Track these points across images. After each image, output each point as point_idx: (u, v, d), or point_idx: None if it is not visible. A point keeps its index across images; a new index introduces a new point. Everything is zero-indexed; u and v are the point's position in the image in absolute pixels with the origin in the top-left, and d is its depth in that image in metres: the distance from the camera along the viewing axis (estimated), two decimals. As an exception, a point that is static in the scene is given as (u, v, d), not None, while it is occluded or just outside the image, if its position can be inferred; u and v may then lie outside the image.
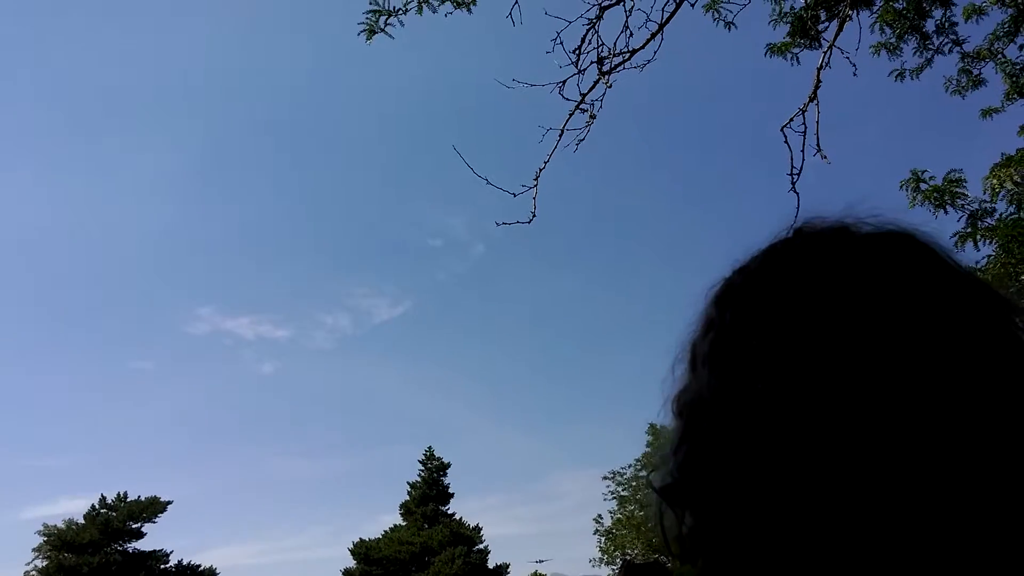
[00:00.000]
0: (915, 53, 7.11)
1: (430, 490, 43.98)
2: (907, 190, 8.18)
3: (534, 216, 6.08)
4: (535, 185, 6.05)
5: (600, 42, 5.79)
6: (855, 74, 5.70)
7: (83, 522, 40.86)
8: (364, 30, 5.44)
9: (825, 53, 5.72)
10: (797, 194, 5.34)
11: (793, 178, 5.33)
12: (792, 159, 5.32)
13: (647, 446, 44.18)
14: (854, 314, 0.53)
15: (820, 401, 0.51)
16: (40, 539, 40.62)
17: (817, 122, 5.38)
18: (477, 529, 43.32)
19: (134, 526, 41.69)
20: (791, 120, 5.40)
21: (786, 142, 5.35)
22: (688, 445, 0.60)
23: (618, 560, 41.22)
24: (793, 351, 0.54)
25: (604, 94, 6.02)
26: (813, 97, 5.44)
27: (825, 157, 5.38)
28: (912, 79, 7.33)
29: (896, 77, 7.33)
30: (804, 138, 5.34)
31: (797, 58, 6.83)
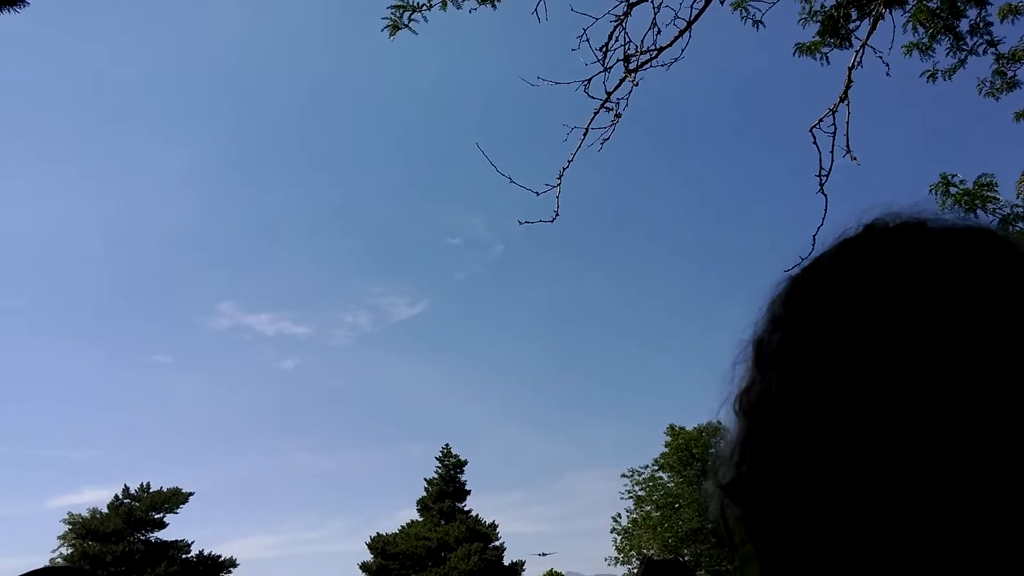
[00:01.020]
0: (948, 53, 6.99)
1: (447, 487, 44.07)
2: (936, 194, 8.07)
3: (557, 215, 6.06)
4: (558, 184, 6.03)
5: (627, 39, 5.75)
6: (888, 74, 5.62)
7: (107, 512, 41.37)
8: (388, 26, 5.44)
9: (857, 52, 5.65)
10: (825, 196, 5.28)
11: (822, 179, 5.27)
12: (821, 160, 5.27)
13: (665, 446, 44.17)
14: (942, 312, 0.50)
15: (908, 405, 0.49)
16: (65, 527, 41.25)
17: (847, 123, 5.31)
18: (493, 526, 43.37)
19: (156, 516, 42.13)
20: (820, 120, 5.34)
21: (815, 143, 5.29)
22: (755, 444, 0.58)
23: (634, 559, 41.12)
24: (878, 351, 0.51)
25: (630, 92, 5.99)
26: (844, 97, 5.38)
27: (855, 158, 5.31)
28: (945, 80, 7.21)
29: (928, 78, 7.21)
30: (834, 139, 5.27)
31: (827, 58, 6.74)
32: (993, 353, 0.48)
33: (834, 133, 5.25)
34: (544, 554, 44.06)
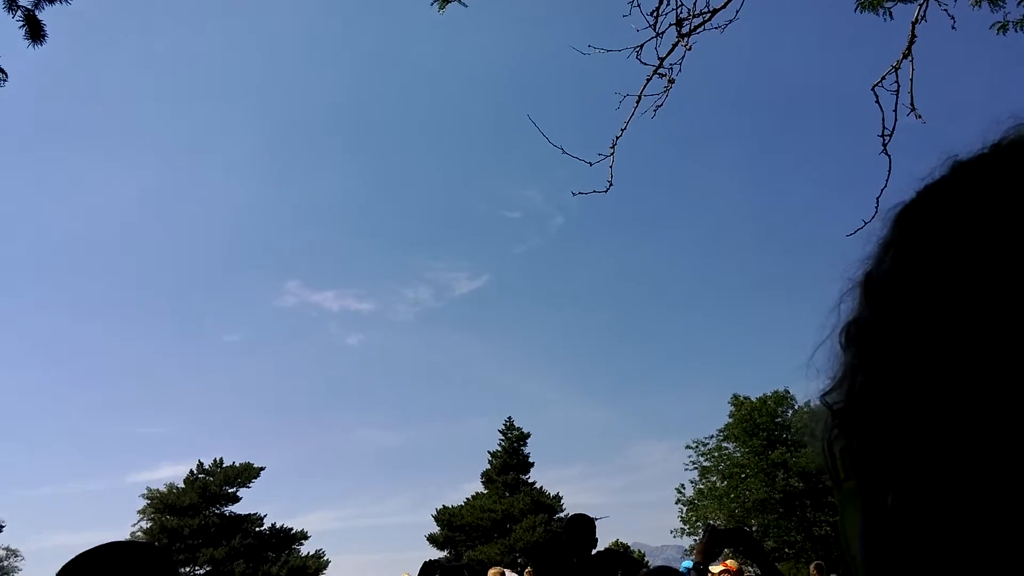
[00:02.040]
0: (1020, 3, 6.59)
1: (510, 459, 44.45)
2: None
3: (611, 185, 5.95)
4: (611, 153, 5.91)
5: (679, 2, 5.57)
6: (954, 27, 5.31)
7: (183, 486, 42.97)
8: (437, -1, 5.37)
9: (921, 6, 5.35)
10: (889, 156, 5.04)
11: (885, 139, 5.03)
12: (884, 119, 5.02)
13: (729, 417, 43.69)
14: None
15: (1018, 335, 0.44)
16: (144, 502, 43.01)
17: (911, 80, 5.05)
18: (558, 498, 43.64)
19: (230, 490, 43.60)
20: (883, 78, 5.08)
21: (877, 102, 5.05)
22: (866, 369, 0.54)
23: (700, 531, 40.92)
24: (1003, 272, 0.46)
25: (683, 57, 5.80)
26: (907, 53, 5.10)
27: (920, 116, 5.05)
28: (1017, 31, 6.80)
29: (999, 30, 6.81)
30: (897, 97, 5.02)
31: (890, 13, 6.41)
32: None
33: (897, 91, 4.99)
34: (595, 519, 44.12)
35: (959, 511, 0.46)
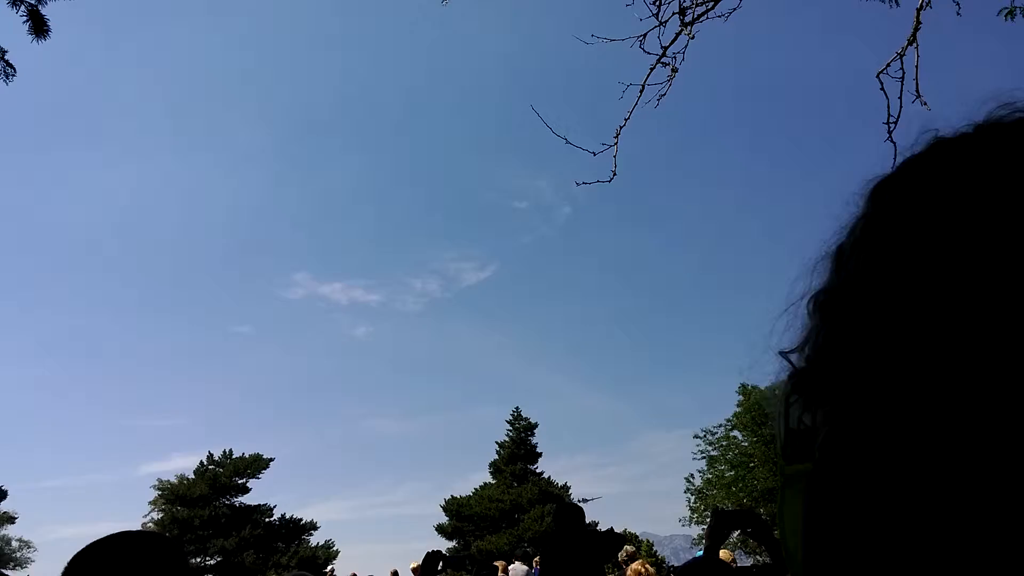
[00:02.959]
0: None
1: (518, 449, 44.52)
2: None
3: (615, 174, 5.95)
4: (615, 143, 5.91)
5: (682, -9, 5.55)
6: (959, 14, 5.28)
7: (193, 477, 43.20)
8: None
9: (926, -9, 5.32)
10: (894, 143, 5.03)
11: (890, 127, 5.01)
12: (889, 106, 5.00)
13: (737, 406, 43.66)
14: None
15: (987, 300, 0.44)
16: (155, 493, 43.25)
17: (916, 67, 5.03)
18: (566, 488, 43.72)
19: (240, 481, 43.81)
20: (888, 65, 5.06)
21: (882, 89, 5.03)
22: (827, 333, 0.54)
23: (708, 519, 40.95)
24: (973, 244, 0.46)
25: (686, 46, 5.79)
26: (912, 40, 5.08)
27: (925, 103, 5.03)
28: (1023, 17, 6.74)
29: (1006, 16, 6.76)
30: (902, 84, 5.00)
31: (896, -1, 6.38)
32: None
33: (902, 78, 4.97)
34: (585, 500, 44.16)
35: (917, 496, 0.44)
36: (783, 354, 0.59)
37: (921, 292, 0.47)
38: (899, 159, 0.57)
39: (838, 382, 0.51)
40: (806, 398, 0.55)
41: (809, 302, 0.58)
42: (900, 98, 5.01)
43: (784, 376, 0.58)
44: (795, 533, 0.52)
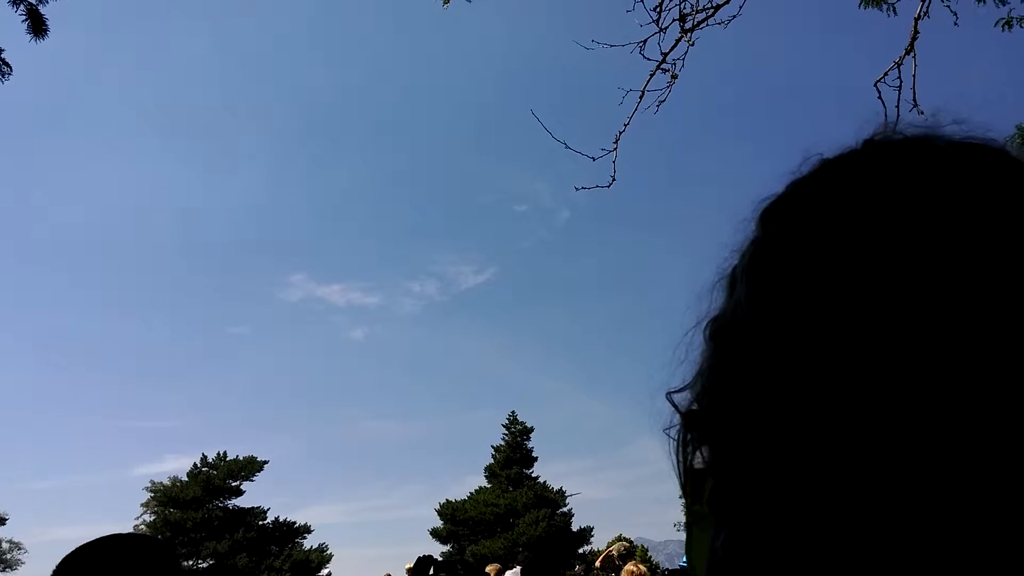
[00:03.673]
0: (1024, -1, 6.54)
1: (514, 453, 44.49)
2: (1012, 147, 7.59)
3: (614, 179, 5.95)
4: (615, 148, 5.91)
5: (682, -2, 5.57)
6: (956, 23, 5.30)
7: (186, 479, 43.08)
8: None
9: (924, 2, 5.33)
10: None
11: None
12: (886, 115, 5.01)
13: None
14: (928, 231, 0.44)
15: (873, 331, 0.43)
16: (148, 495, 43.12)
17: (914, 76, 5.04)
18: (561, 492, 43.68)
19: (233, 484, 43.70)
20: (885, 74, 5.08)
21: (879, 97, 5.04)
22: (717, 368, 0.52)
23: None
24: (862, 267, 0.45)
25: (686, 52, 5.80)
26: (910, 49, 5.09)
27: (922, 112, 5.04)
28: (1021, 27, 6.76)
29: (1003, 26, 6.78)
30: (899, 93, 5.01)
31: (894, 8, 6.39)
32: (981, 274, 0.42)
33: (899, 87, 4.98)
34: (566, 494, 44.13)
35: (810, 544, 0.43)
36: (669, 395, 0.57)
37: (806, 324, 0.45)
38: (785, 181, 0.55)
39: (725, 422, 0.49)
40: (697, 438, 0.54)
41: (704, 329, 0.56)
42: (897, 107, 5.03)
43: (678, 414, 0.57)
44: (700, 569, 0.52)
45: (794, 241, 0.49)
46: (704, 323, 0.56)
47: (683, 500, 0.58)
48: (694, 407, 0.55)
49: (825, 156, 0.54)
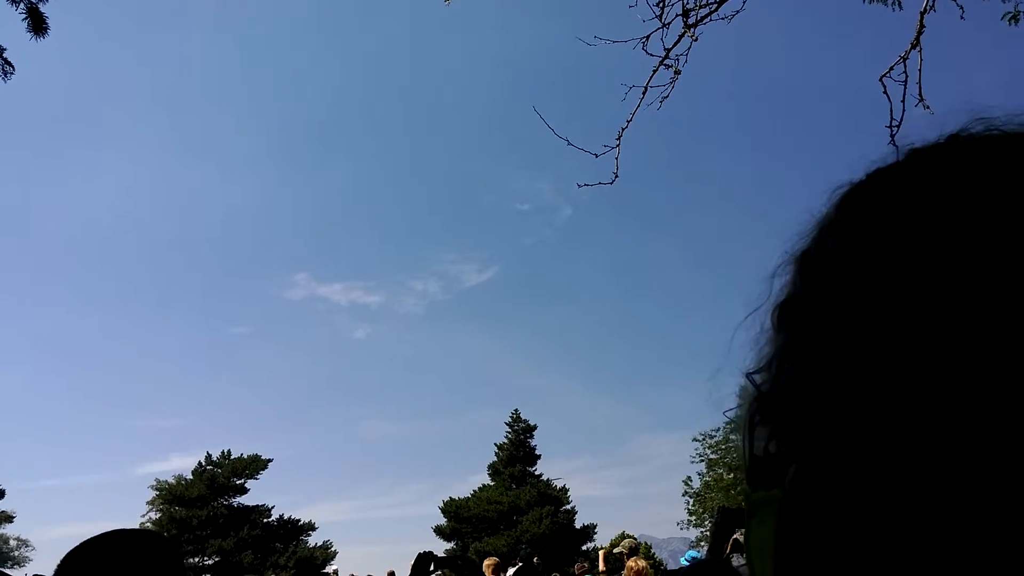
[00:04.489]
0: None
1: (517, 451, 44.51)
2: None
3: (616, 176, 5.94)
4: (617, 145, 5.90)
5: (685, -8, 5.55)
6: (962, 17, 5.27)
7: (191, 478, 43.18)
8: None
9: (929, -6, 5.31)
10: (897, 147, 5.00)
11: (892, 130, 5.01)
12: (892, 110, 5.00)
13: (736, 409, 43.36)
14: (1015, 231, 0.43)
15: (970, 324, 0.42)
16: (153, 493, 43.24)
17: (920, 70, 5.02)
18: (564, 490, 43.70)
19: (238, 482, 43.77)
20: (891, 69, 5.05)
21: (885, 92, 5.02)
22: (795, 354, 0.51)
23: (707, 522, 40.93)
24: (946, 262, 0.44)
25: (689, 48, 5.78)
26: (916, 44, 5.07)
27: (928, 107, 5.03)
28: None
29: (1009, 20, 6.75)
30: (905, 88, 4.99)
31: (899, 3, 6.37)
32: None
33: (905, 81, 4.96)
34: (551, 480, 44.28)
35: (892, 525, 0.42)
36: (748, 376, 0.56)
37: (897, 311, 0.45)
38: (871, 168, 0.54)
39: (809, 409, 0.48)
40: (774, 424, 0.53)
41: (772, 313, 0.55)
42: (903, 101, 5.01)
43: (748, 398, 0.56)
44: (763, 559, 0.50)
45: (884, 232, 0.48)
46: (773, 308, 0.55)
47: (743, 489, 0.57)
48: (765, 390, 0.53)
49: (915, 145, 0.53)
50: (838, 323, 0.48)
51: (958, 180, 0.47)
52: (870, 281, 0.47)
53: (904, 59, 5.06)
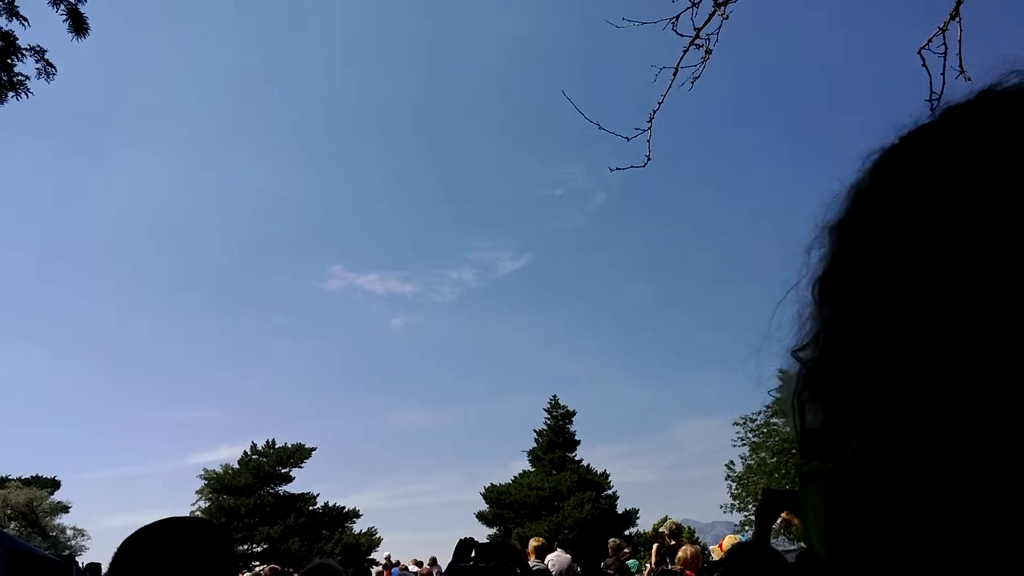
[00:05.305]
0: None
1: (556, 437, 44.57)
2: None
3: (649, 159, 5.90)
4: (649, 128, 5.85)
5: (716, -29, 5.48)
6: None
7: (238, 467, 43.99)
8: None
9: (969, -37, 5.18)
10: (932, 109, 4.91)
11: (933, 104, 4.89)
12: (932, 83, 4.89)
13: (777, 392, 42.95)
14: None
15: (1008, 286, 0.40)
16: (201, 483, 44.15)
17: (959, 41, 4.90)
18: (605, 475, 43.68)
19: (283, 471, 44.49)
20: (929, 41, 4.94)
21: (924, 65, 4.91)
22: (841, 327, 0.50)
23: (750, 505, 40.64)
24: (991, 226, 0.42)
25: (720, 27, 5.71)
26: (955, 14, 4.95)
27: (969, 79, 4.91)
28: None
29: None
30: (945, 59, 4.88)
31: (937, -28, 6.21)
32: None
33: (945, 53, 4.85)
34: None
35: (941, 499, 0.41)
36: (794, 353, 0.55)
37: (948, 276, 0.43)
38: (904, 130, 0.52)
39: (864, 383, 0.47)
40: (825, 400, 0.52)
41: (813, 287, 0.54)
42: (943, 74, 4.90)
43: (795, 375, 0.55)
44: (818, 531, 0.50)
45: (924, 189, 0.46)
46: (813, 281, 0.54)
47: (797, 462, 0.57)
48: (812, 365, 0.53)
49: (952, 103, 0.51)
50: (888, 292, 0.46)
51: (996, 134, 0.45)
52: (918, 246, 0.45)
53: (943, 30, 4.94)
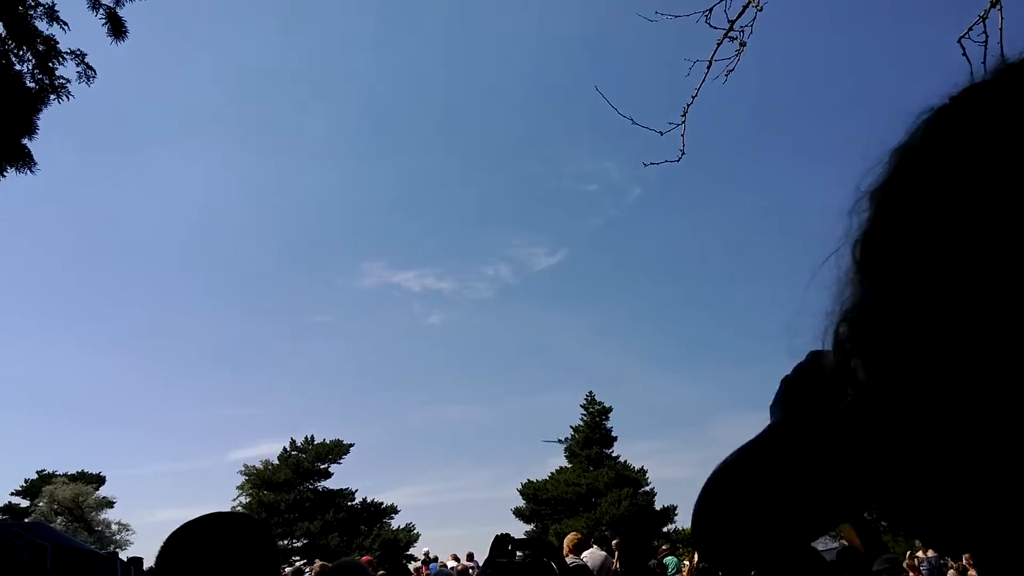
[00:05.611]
0: None
1: (593, 433, 44.49)
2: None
3: (683, 153, 5.86)
4: (683, 122, 5.82)
5: (750, -37, 5.43)
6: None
7: (277, 463, 44.63)
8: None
9: (1013, -52, 5.06)
10: (985, 68, 4.81)
11: (974, 94, 4.80)
12: (972, 72, 4.79)
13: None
14: None
15: None
16: (242, 478, 44.91)
17: (1000, 29, 4.79)
18: (642, 471, 43.50)
19: (321, 467, 45.05)
20: (970, 29, 4.84)
21: (964, 54, 4.82)
22: (885, 294, 0.48)
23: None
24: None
25: (754, 19, 5.66)
26: (995, 2, 4.85)
27: (1013, 67, 4.80)
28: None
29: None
30: (986, 48, 4.77)
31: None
32: None
33: (986, 42, 4.74)
34: (561, 440, 44.31)
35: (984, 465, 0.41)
36: (841, 321, 0.54)
37: (996, 237, 0.41)
38: (955, 90, 0.51)
39: (922, 353, 0.46)
40: (866, 353, 0.51)
41: (855, 248, 0.53)
42: (984, 63, 4.80)
43: (838, 343, 0.54)
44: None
45: (981, 147, 0.45)
46: (855, 244, 0.52)
47: None
48: (850, 334, 0.52)
49: (1008, 60, 0.49)
50: (942, 250, 0.44)
51: None
52: (971, 204, 0.43)
53: (983, 18, 4.84)
